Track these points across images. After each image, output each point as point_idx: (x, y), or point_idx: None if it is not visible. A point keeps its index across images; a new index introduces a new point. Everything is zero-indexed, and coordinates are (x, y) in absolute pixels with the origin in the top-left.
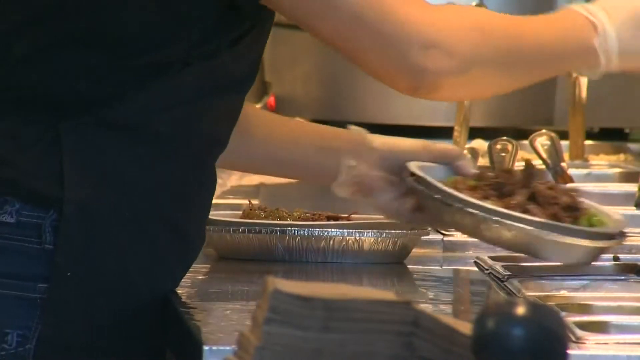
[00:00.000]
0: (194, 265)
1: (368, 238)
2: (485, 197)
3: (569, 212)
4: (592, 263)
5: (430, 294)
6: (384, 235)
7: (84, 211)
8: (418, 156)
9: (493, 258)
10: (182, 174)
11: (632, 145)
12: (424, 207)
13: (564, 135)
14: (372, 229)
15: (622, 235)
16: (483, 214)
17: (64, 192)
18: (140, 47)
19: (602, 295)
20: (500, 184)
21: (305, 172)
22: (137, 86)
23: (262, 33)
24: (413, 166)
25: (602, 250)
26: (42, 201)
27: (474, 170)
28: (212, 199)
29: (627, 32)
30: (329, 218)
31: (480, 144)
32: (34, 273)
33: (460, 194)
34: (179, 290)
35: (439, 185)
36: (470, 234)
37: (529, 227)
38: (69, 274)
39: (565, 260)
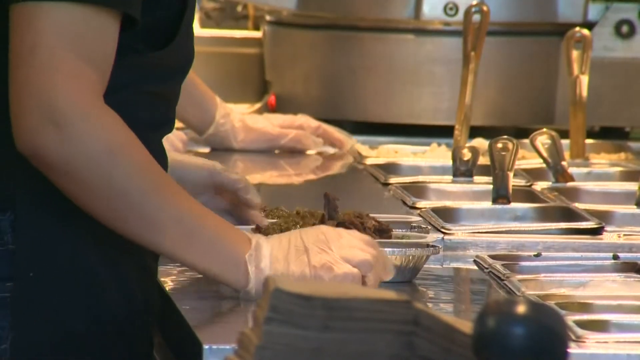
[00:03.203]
0: None
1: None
2: None
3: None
4: (592, 262)
5: (431, 293)
6: (396, 252)
7: (36, 209)
8: (201, 179)
9: (493, 257)
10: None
11: (633, 144)
12: None
13: (564, 134)
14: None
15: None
16: None
17: (15, 192)
18: None
19: (602, 294)
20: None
21: None
22: None
23: (191, 14)
24: None
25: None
26: None
27: (257, 200)
28: None
29: (281, 252)
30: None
31: (481, 143)
32: (0, 273)
33: None
34: (178, 290)
35: None
36: None
37: None
38: (31, 274)
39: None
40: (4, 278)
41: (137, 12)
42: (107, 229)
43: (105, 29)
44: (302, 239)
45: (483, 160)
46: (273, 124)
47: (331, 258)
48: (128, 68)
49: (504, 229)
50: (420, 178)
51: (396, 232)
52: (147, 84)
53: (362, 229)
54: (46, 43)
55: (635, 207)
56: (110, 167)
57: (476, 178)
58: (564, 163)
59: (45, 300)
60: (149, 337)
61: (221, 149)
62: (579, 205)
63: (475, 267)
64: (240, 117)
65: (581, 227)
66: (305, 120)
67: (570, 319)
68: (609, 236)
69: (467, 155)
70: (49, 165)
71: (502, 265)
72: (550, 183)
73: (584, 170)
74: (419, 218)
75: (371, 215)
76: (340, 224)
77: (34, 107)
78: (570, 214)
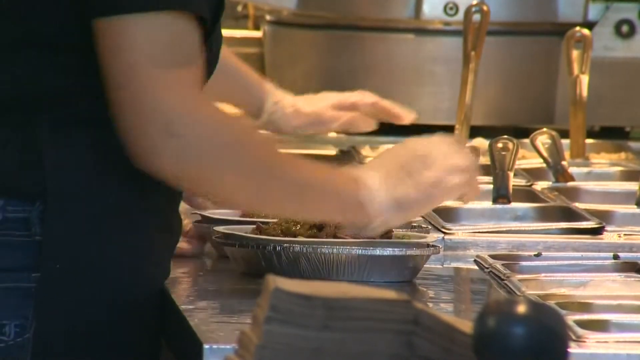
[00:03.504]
0: (193, 264)
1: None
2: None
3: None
4: (592, 262)
5: (431, 293)
6: (397, 252)
7: (66, 202)
8: None
9: (493, 257)
10: None
11: (633, 144)
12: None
13: (564, 133)
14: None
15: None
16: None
17: (46, 184)
18: None
19: (602, 294)
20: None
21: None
22: None
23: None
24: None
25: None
26: (26, 195)
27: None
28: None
29: (392, 179)
30: None
31: (481, 143)
32: (26, 264)
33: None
34: (179, 290)
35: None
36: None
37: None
38: (57, 265)
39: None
40: (30, 268)
41: (206, 13)
42: (132, 224)
43: (188, 29)
44: (402, 161)
45: (483, 160)
46: (327, 104)
47: (437, 173)
48: None
49: (504, 229)
50: None
51: (396, 231)
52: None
53: None
54: (143, 59)
55: (635, 206)
56: (232, 157)
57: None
58: (564, 163)
59: (69, 292)
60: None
61: (277, 132)
62: (579, 205)
63: (476, 267)
64: (292, 102)
65: (581, 226)
66: (361, 97)
67: (571, 318)
68: (609, 236)
69: None
70: (177, 177)
71: (503, 265)
72: (550, 183)
73: (584, 170)
74: (419, 218)
75: None
76: (340, 224)
77: (147, 126)
78: (570, 214)
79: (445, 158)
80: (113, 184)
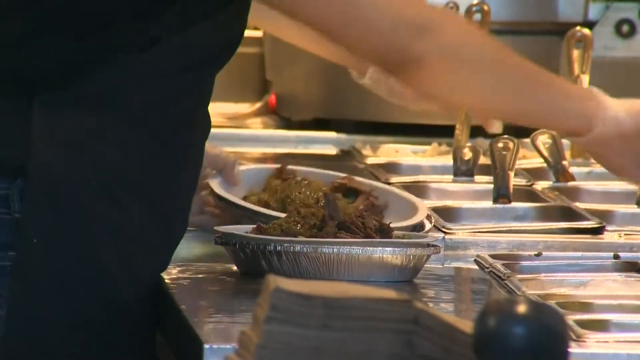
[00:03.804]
0: (193, 263)
1: (383, 255)
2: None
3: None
4: (592, 261)
5: (431, 293)
6: (397, 252)
7: (48, 178)
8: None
9: (494, 256)
10: (155, 149)
11: None
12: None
13: None
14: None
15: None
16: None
17: (26, 161)
18: (110, 23)
19: (602, 294)
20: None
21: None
22: (109, 61)
23: (241, 10)
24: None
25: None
26: (8, 171)
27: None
28: (195, 181)
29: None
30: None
31: (482, 142)
32: (4, 242)
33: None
34: (179, 289)
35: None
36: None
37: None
38: (35, 240)
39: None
40: (6, 246)
41: None
42: (116, 205)
43: None
44: None
45: (484, 159)
46: None
47: None
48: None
49: (504, 229)
50: (421, 177)
51: (397, 231)
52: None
53: (363, 228)
54: None
55: (635, 206)
56: (480, 44)
57: (477, 177)
58: (564, 162)
59: (45, 269)
60: (153, 318)
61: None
62: (580, 205)
63: (476, 267)
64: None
65: (582, 226)
66: None
67: (571, 318)
68: (610, 236)
69: (467, 154)
70: (436, 60)
71: (503, 264)
72: (551, 182)
73: (585, 169)
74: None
75: (372, 215)
76: (341, 224)
77: (401, 36)
78: (570, 214)
79: None
80: (95, 163)
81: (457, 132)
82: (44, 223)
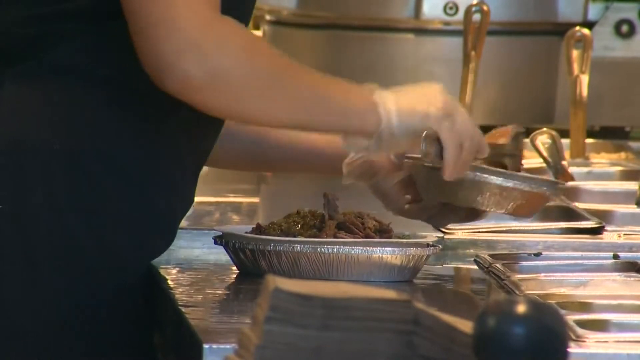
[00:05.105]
0: (193, 263)
1: (382, 255)
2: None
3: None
4: (592, 261)
5: (431, 293)
6: (397, 252)
7: (14, 144)
8: None
9: (493, 256)
10: (127, 119)
11: (633, 144)
12: (417, 182)
13: (564, 133)
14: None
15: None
16: (475, 172)
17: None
18: None
19: (602, 294)
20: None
21: (318, 163)
22: (82, 31)
23: None
24: None
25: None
26: None
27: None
28: (178, 155)
29: (406, 97)
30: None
31: None
32: None
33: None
34: (179, 289)
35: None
36: (455, 200)
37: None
38: (0, 206)
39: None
40: None
41: None
42: (84, 179)
43: None
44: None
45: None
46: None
47: (454, 102)
48: None
49: (504, 229)
50: None
51: (396, 231)
52: None
53: (363, 228)
54: None
55: (635, 206)
56: (251, 62)
57: None
58: (564, 162)
59: (13, 234)
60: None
61: None
62: (579, 205)
63: (476, 267)
64: None
65: (581, 226)
66: None
67: (571, 318)
68: (609, 236)
69: None
70: (200, 87)
71: (503, 264)
72: None
73: (584, 169)
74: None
75: (372, 215)
76: (341, 224)
77: (171, 45)
78: (570, 214)
79: (466, 120)
80: (65, 129)
81: None
82: (8, 188)
